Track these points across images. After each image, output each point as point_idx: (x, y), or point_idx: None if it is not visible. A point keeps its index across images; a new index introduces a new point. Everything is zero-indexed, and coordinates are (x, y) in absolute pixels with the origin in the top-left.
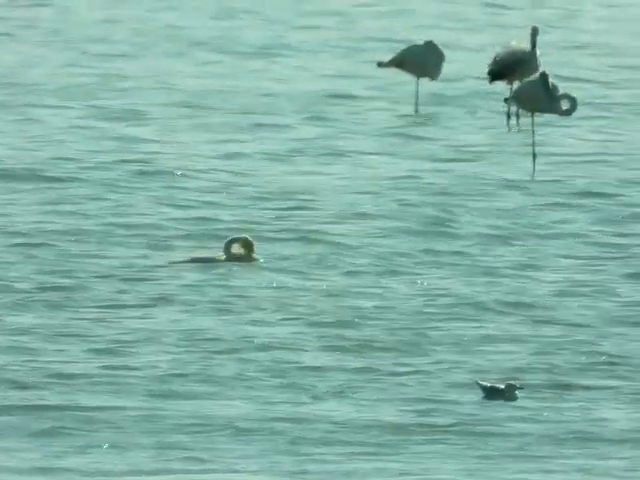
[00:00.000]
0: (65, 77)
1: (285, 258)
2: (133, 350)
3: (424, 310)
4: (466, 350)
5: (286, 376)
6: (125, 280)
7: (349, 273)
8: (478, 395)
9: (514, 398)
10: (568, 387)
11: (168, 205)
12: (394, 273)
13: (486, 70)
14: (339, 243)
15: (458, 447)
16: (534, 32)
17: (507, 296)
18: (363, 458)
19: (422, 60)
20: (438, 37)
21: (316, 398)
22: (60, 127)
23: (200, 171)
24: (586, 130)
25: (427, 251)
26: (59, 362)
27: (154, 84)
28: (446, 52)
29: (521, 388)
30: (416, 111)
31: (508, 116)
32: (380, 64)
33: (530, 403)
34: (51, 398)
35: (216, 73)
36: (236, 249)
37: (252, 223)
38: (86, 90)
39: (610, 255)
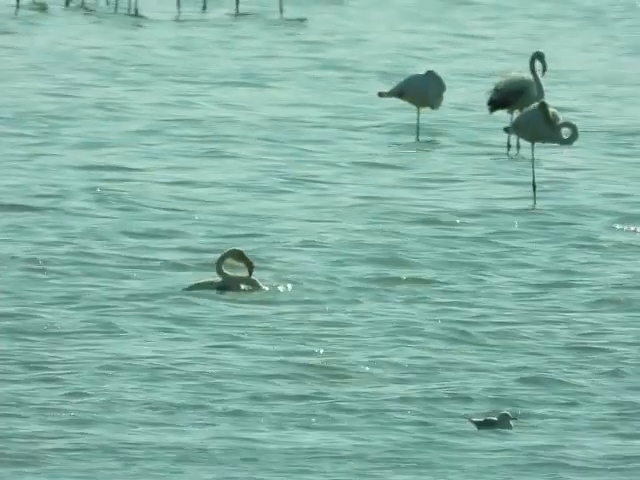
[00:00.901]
0: (27, 105)
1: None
2: (87, 377)
3: (380, 338)
4: (421, 379)
5: (245, 404)
6: (80, 308)
7: (307, 301)
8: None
9: (508, 428)
10: (526, 415)
11: (126, 233)
12: (352, 301)
13: (486, 100)
14: (297, 271)
15: (421, 477)
16: (535, 57)
17: (462, 324)
18: None
19: (423, 90)
20: (403, 66)
21: (277, 426)
22: (18, 154)
23: (160, 199)
24: (551, 158)
25: (383, 279)
26: (9, 391)
27: (114, 112)
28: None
29: (514, 418)
30: (417, 139)
31: (508, 146)
32: (381, 94)
33: (489, 432)
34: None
35: (178, 101)
36: (231, 267)
37: (212, 252)
38: (46, 117)
39: (566, 283)
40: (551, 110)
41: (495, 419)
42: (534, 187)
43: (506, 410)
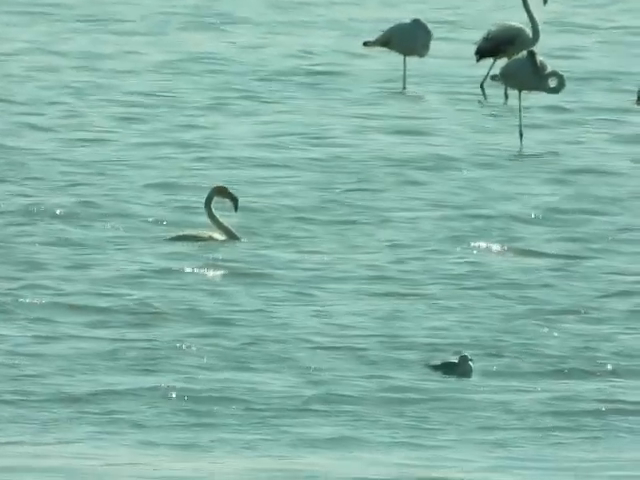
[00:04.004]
0: None
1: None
2: None
3: (293, 281)
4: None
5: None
6: None
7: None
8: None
9: (469, 369)
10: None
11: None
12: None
13: (474, 47)
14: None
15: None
16: None
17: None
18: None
19: (409, 38)
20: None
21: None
22: None
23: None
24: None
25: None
26: None
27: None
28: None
29: (471, 359)
30: (404, 88)
31: (482, 87)
32: (366, 43)
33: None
34: None
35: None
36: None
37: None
38: None
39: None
40: (539, 59)
41: (455, 361)
42: (521, 135)
43: (465, 352)
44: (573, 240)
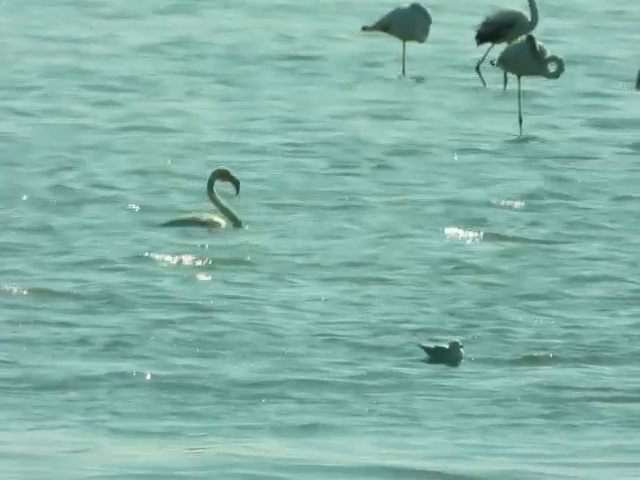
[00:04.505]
0: None
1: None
2: None
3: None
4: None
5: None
6: None
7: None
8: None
9: (459, 356)
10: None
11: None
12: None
13: (474, 32)
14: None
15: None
16: None
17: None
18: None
19: (409, 23)
20: None
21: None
22: None
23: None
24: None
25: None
26: None
27: None
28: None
29: (462, 346)
30: (403, 73)
31: (478, 71)
32: (365, 28)
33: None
34: None
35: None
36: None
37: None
38: None
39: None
40: (538, 44)
41: (446, 347)
42: (520, 121)
43: (456, 339)
44: (552, 226)
